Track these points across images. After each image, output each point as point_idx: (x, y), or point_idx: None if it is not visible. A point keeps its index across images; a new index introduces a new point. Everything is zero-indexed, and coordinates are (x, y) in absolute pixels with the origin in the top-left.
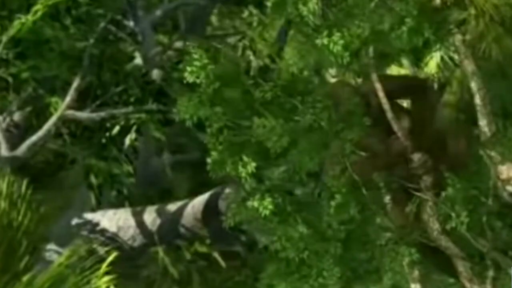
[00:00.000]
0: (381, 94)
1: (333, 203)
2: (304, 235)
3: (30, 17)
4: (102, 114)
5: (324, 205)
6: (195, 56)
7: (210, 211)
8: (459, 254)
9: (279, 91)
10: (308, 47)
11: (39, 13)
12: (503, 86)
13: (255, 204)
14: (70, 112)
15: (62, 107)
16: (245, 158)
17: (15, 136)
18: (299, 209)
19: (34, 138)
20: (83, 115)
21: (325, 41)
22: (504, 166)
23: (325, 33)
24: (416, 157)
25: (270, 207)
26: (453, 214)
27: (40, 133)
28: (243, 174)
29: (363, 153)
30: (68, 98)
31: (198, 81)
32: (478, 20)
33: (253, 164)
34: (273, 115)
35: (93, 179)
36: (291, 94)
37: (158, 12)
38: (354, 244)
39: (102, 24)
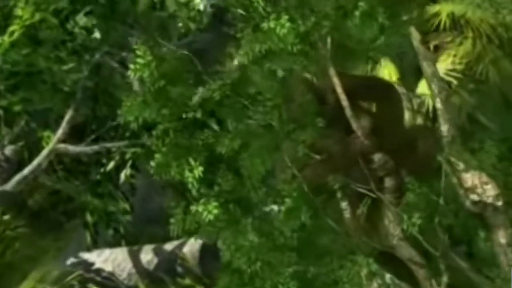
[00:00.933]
0: (339, 89)
1: (283, 208)
2: (255, 244)
3: (6, 38)
4: (96, 147)
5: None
6: (139, 53)
7: (208, 250)
8: (420, 262)
9: (228, 90)
10: (257, 34)
11: (16, 34)
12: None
13: (199, 208)
14: (62, 145)
15: (53, 140)
16: (192, 162)
17: (6, 170)
18: (250, 216)
19: (25, 172)
20: (76, 149)
21: (272, 24)
22: (468, 174)
23: (273, 16)
24: (377, 157)
25: (215, 211)
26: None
27: (31, 167)
28: (190, 179)
29: (317, 155)
30: (60, 131)
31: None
32: (475, 42)
33: (201, 168)
34: (222, 116)
35: (88, 217)
36: (241, 93)
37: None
38: (309, 254)
39: (97, 56)
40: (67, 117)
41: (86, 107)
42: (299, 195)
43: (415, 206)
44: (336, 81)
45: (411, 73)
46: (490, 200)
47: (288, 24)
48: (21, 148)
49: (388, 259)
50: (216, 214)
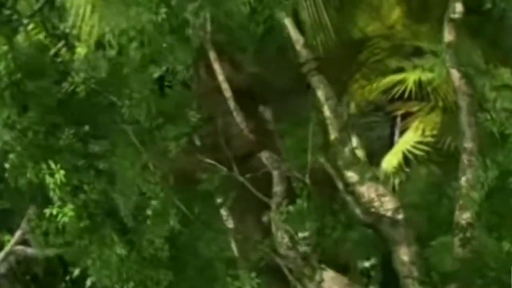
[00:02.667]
0: (221, 77)
1: (149, 212)
2: (124, 257)
3: None
4: (57, 250)
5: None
6: None
7: None
8: (308, 274)
9: (93, 84)
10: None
11: None
12: None
13: (54, 211)
14: (20, 248)
15: (11, 242)
16: (52, 165)
17: None
18: (118, 226)
19: None
20: (38, 251)
21: None
22: (363, 187)
23: None
24: (264, 155)
25: (71, 213)
26: None
27: None
28: (52, 185)
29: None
30: (18, 233)
31: None
32: (444, 111)
33: (62, 172)
34: (88, 114)
35: None
36: (109, 88)
37: None
38: (185, 269)
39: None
40: (26, 217)
41: None
42: (168, 196)
43: (302, 214)
44: (218, 69)
45: None
46: (389, 214)
47: None
48: None
49: (274, 272)
50: (72, 217)
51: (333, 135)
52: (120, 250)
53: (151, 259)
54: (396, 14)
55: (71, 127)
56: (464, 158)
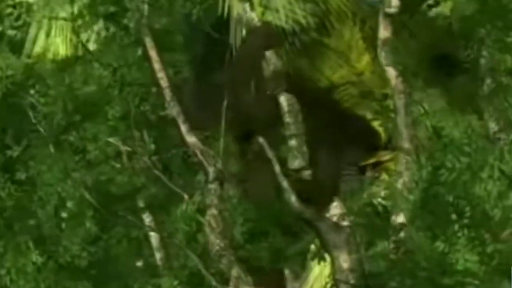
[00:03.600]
0: (157, 65)
1: (64, 214)
2: (40, 266)
3: None
4: None
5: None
6: None
7: None
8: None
9: (9, 83)
10: None
11: None
12: None
13: None
14: None
15: None
16: None
17: None
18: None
19: None
20: None
21: None
22: None
23: None
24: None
25: None
26: None
27: None
28: None
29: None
30: None
31: None
32: None
33: None
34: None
35: None
36: (25, 87)
37: None
38: (105, 278)
39: None
40: None
41: None
42: (82, 197)
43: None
44: (154, 55)
45: None
46: (334, 219)
47: None
48: None
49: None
50: None
51: (290, 142)
52: (36, 258)
53: (68, 268)
54: (365, 60)
55: None
56: (401, 158)
